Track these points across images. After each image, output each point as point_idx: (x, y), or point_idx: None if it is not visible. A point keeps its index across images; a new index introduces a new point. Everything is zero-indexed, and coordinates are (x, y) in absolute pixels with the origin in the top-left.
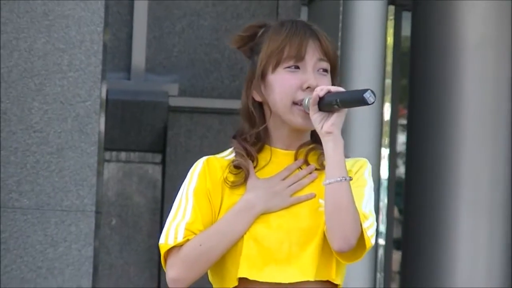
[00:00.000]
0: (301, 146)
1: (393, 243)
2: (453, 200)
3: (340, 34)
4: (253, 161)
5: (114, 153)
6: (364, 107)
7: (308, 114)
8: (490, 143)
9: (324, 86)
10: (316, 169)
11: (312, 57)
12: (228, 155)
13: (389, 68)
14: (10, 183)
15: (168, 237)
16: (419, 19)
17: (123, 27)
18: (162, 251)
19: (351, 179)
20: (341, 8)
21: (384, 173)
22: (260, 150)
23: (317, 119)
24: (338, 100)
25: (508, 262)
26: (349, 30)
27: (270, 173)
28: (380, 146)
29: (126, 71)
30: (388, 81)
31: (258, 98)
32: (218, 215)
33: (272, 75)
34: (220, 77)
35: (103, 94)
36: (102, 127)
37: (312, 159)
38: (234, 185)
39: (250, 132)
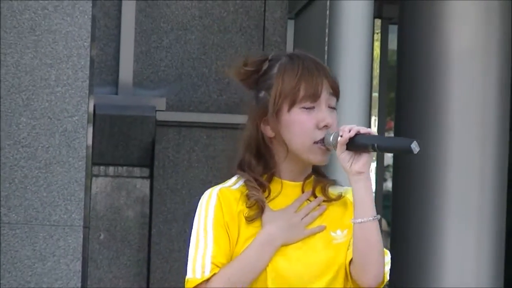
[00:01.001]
0: (306, 178)
1: None
2: (441, 213)
3: (326, 47)
4: (264, 192)
5: (102, 167)
6: (351, 121)
7: (327, 150)
8: (477, 155)
9: (352, 127)
10: (324, 200)
11: (325, 94)
12: (234, 184)
13: (376, 81)
14: None
15: (195, 271)
16: (406, 32)
17: (110, 42)
18: (191, 285)
19: (379, 217)
20: (327, 21)
21: (372, 186)
22: (269, 181)
23: (345, 158)
24: (376, 145)
25: (496, 263)
26: (335, 43)
27: (281, 204)
28: None
29: (113, 85)
30: (375, 95)
31: (270, 134)
32: (235, 246)
33: (288, 115)
34: (207, 91)
35: (91, 109)
36: (90, 141)
37: (318, 190)
38: (250, 219)
39: (258, 167)
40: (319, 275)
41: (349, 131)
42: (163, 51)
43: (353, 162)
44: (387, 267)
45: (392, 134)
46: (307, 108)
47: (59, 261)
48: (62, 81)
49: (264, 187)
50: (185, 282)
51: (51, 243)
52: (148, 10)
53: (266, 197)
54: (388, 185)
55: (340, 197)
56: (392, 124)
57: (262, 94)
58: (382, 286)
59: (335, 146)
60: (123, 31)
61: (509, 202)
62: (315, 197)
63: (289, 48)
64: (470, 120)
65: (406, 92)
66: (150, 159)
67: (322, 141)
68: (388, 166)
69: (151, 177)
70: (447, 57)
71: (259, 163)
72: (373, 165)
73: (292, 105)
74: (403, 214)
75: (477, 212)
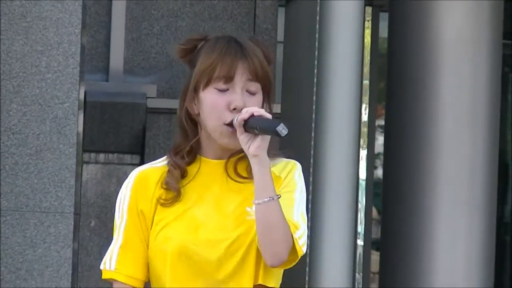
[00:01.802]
0: (231, 156)
1: (371, 244)
2: (431, 200)
3: (317, 35)
4: (182, 174)
5: (92, 154)
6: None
7: (234, 134)
8: (468, 142)
9: (249, 108)
10: (244, 178)
11: (241, 78)
12: (161, 161)
13: (366, 69)
14: None
15: (105, 263)
16: (396, 20)
17: (101, 29)
18: (104, 275)
19: (279, 197)
20: (318, 9)
21: (363, 173)
22: (192, 161)
23: (243, 140)
24: (257, 127)
25: (487, 262)
26: (326, 31)
27: (201, 183)
28: (358, 147)
29: (104, 72)
30: (366, 82)
31: (193, 111)
32: (150, 229)
33: (203, 93)
34: None
35: (81, 96)
36: (81, 128)
37: (241, 167)
38: (166, 204)
39: (183, 145)
40: (230, 254)
41: (246, 113)
42: (154, 38)
43: (250, 145)
44: (300, 241)
45: (382, 122)
46: (220, 90)
47: (50, 248)
48: (52, 67)
49: (179, 168)
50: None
51: (42, 230)
52: None
53: (184, 178)
54: (379, 172)
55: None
56: (382, 111)
57: (191, 72)
58: (295, 261)
59: None
60: (114, 18)
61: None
62: (237, 174)
63: (280, 35)
64: (461, 108)
65: (396, 80)
66: (140, 146)
67: (232, 123)
68: (378, 153)
69: (141, 164)
70: (438, 44)
71: (185, 142)
72: (364, 152)
73: (207, 84)
74: (394, 202)
75: (467, 196)
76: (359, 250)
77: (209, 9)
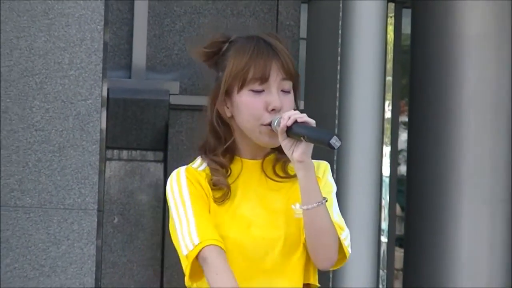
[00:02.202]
0: (266, 155)
1: (395, 240)
2: (455, 196)
3: (340, 31)
4: (227, 172)
5: (115, 151)
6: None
7: (274, 132)
8: (491, 139)
9: (292, 114)
10: (282, 177)
11: (276, 78)
12: (199, 166)
13: (389, 65)
14: (12, 181)
15: (187, 246)
16: (419, 16)
17: (124, 25)
18: (189, 260)
19: (326, 200)
20: (341, 6)
21: (386, 170)
22: (231, 161)
23: (286, 146)
24: (305, 136)
25: (510, 261)
26: (349, 27)
27: (244, 182)
28: (381, 143)
29: (127, 69)
30: (389, 79)
31: (225, 114)
32: None
33: (238, 96)
34: None
35: (104, 93)
36: (104, 125)
37: (278, 167)
38: (219, 202)
39: (219, 147)
40: (286, 252)
41: (288, 119)
42: (176, 35)
43: (294, 150)
44: (346, 242)
45: (405, 119)
46: (255, 91)
47: (73, 244)
48: (75, 64)
49: (225, 167)
50: (183, 262)
51: (65, 226)
52: None
53: (228, 176)
54: (402, 169)
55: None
56: (405, 108)
57: (219, 74)
58: (343, 262)
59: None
60: (136, 14)
61: None
62: (276, 174)
63: (303, 32)
64: (484, 104)
65: (419, 76)
66: (163, 143)
67: (270, 124)
68: (402, 150)
69: (164, 161)
70: (461, 40)
71: (219, 144)
72: (387, 149)
73: (241, 86)
74: (417, 199)
75: (490, 193)
76: (383, 247)
77: (231, 6)
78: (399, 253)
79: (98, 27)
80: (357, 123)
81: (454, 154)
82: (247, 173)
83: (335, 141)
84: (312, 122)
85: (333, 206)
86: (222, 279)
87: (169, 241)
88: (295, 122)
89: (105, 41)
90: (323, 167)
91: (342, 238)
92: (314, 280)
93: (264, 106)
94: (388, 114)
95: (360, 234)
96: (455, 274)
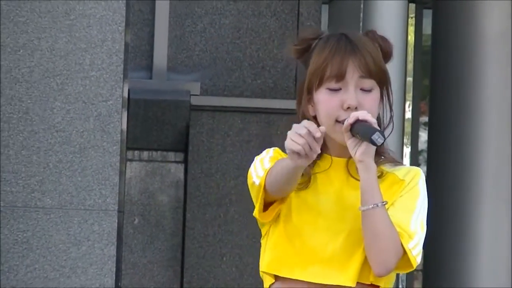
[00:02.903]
0: None
1: None
2: (475, 197)
3: (360, 32)
4: (313, 164)
5: (136, 152)
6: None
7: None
8: (511, 139)
9: (356, 113)
10: None
11: (353, 75)
12: None
13: (410, 66)
14: (32, 182)
15: (258, 174)
16: (440, 17)
17: (145, 26)
18: (261, 185)
19: (385, 203)
20: (361, 6)
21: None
22: (319, 157)
23: (351, 145)
24: (359, 133)
25: None
26: (370, 27)
27: (327, 177)
28: (402, 144)
29: (147, 70)
30: (410, 79)
31: (309, 113)
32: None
33: (316, 94)
34: (242, 76)
35: (125, 94)
36: (124, 126)
37: None
38: (300, 187)
39: None
40: (348, 245)
41: (352, 118)
42: (198, 36)
43: (357, 150)
44: (414, 251)
45: (426, 119)
46: (331, 89)
47: (94, 245)
48: (96, 65)
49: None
50: (254, 192)
51: (86, 227)
52: None
53: (313, 167)
54: (422, 169)
55: (381, 175)
56: (426, 108)
57: (306, 73)
58: (407, 270)
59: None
60: (157, 15)
61: None
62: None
63: None
64: (504, 105)
65: (440, 77)
66: (184, 143)
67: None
68: (422, 150)
69: (185, 161)
70: (482, 41)
71: None
72: (407, 150)
73: (319, 84)
74: (437, 199)
75: (510, 193)
76: None
77: (252, 6)
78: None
79: (119, 28)
80: None
81: (474, 154)
82: (333, 169)
83: (377, 137)
84: (373, 121)
85: (414, 212)
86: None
87: (189, 242)
88: (358, 120)
89: (126, 42)
90: (414, 172)
91: (409, 247)
92: (378, 281)
93: (340, 104)
94: (408, 115)
95: None
96: (475, 274)
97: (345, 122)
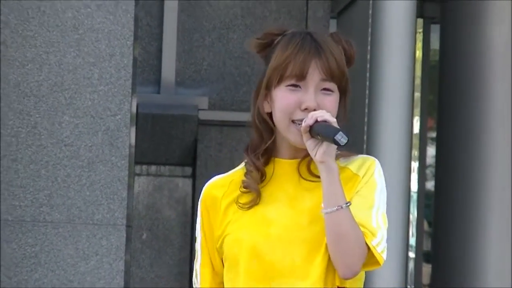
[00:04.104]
0: (305, 156)
1: (423, 256)
2: (482, 211)
3: (369, 47)
4: (262, 177)
5: (144, 166)
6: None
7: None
8: None
9: (314, 113)
10: (316, 176)
11: (314, 76)
12: (239, 167)
13: (418, 81)
14: (41, 197)
15: (194, 283)
16: (448, 32)
17: (153, 41)
18: None
19: (348, 204)
20: (370, 21)
21: (414, 186)
22: (267, 162)
23: (310, 146)
24: (320, 134)
25: None
26: (378, 43)
27: (275, 185)
28: (409, 159)
29: (156, 84)
30: (417, 94)
31: (263, 110)
32: (219, 229)
33: (275, 91)
34: (249, 90)
35: (133, 108)
36: (133, 140)
37: (314, 166)
38: (246, 207)
39: (260, 146)
40: (305, 254)
41: (310, 119)
42: (205, 50)
43: (317, 151)
44: (379, 248)
45: (434, 134)
46: (291, 87)
47: (102, 260)
48: (105, 79)
49: (259, 170)
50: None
51: (94, 242)
52: (190, 9)
53: (263, 180)
54: (430, 184)
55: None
56: (433, 123)
57: (266, 68)
58: (379, 266)
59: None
60: (166, 30)
61: None
62: (310, 173)
63: None
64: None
65: (448, 92)
66: (192, 158)
67: (301, 122)
68: (429, 165)
69: (193, 176)
70: (489, 56)
71: (261, 142)
72: (415, 164)
73: (279, 81)
74: (445, 214)
75: None
76: (411, 263)
77: (260, 21)
78: (427, 268)
79: (128, 42)
80: (386, 138)
81: (482, 169)
82: (280, 173)
83: (340, 137)
84: (333, 120)
85: (373, 207)
86: None
87: None
88: (316, 121)
89: (134, 57)
90: (369, 163)
91: (373, 244)
92: (345, 282)
93: (297, 103)
94: (416, 130)
95: (388, 249)
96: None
97: (303, 123)
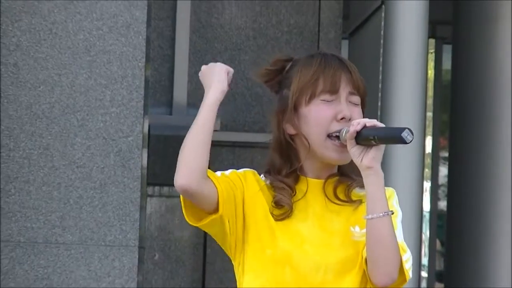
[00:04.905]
0: (329, 176)
1: (435, 275)
2: (495, 232)
3: (381, 67)
4: (293, 192)
5: (156, 188)
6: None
7: (343, 147)
8: None
9: (361, 120)
10: (343, 201)
11: (345, 89)
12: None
13: (430, 101)
14: (53, 218)
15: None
16: (460, 52)
17: (165, 62)
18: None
19: (392, 213)
20: (381, 41)
21: (426, 205)
22: (296, 180)
23: (355, 153)
24: (375, 137)
25: None
26: (390, 63)
27: (305, 201)
28: (422, 178)
29: (168, 106)
30: (430, 114)
31: (291, 131)
32: (243, 223)
33: (306, 108)
34: (261, 111)
35: (145, 129)
36: (145, 162)
37: (339, 190)
38: (279, 219)
39: (284, 167)
40: (337, 271)
41: (358, 124)
42: None
43: (363, 157)
44: (407, 265)
45: (446, 154)
46: (325, 101)
47: (114, 281)
48: (116, 101)
49: (291, 187)
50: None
51: (106, 263)
52: (202, 31)
53: (293, 196)
54: (442, 204)
55: (360, 201)
56: (445, 142)
57: (284, 92)
58: (402, 285)
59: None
60: (177, 51)
61: None
62: (336, 197)
63: None
64: None
65: (460, 111)
66: None
67: (338, 135)
68: (442, 185)
69: None
70: (501, 76)
71: (285, 164)
72: (427, 184)
73: (311, 98)
74: (458, 234)
75: None
76: (424, 282)
77: (272, 42)
78: (439, 287)
79: (140, 64)
80: (399, 158)
81: (494, 189)
82: (310, 192)
83: (407, 135)
84: (382, 125)
85: (397, 229)
86: None
87: (209, 277)
88: (365, 126)
89: (146, 78)
90: (389, 193)
91: (404, 259)
92: None
93: (334, 114)
94: (428, 149)
95: None
96: None
97: (350, 129)
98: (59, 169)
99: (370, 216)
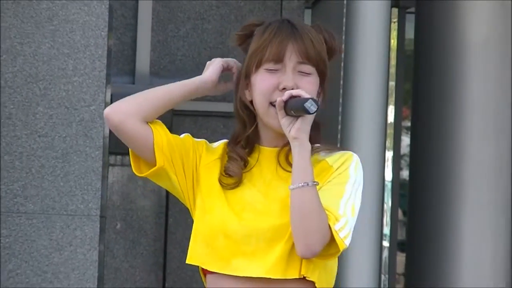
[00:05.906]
0: (285, 144)
1: (397, 245)
2: (457, 201)
3: (344, 36)
4: (245, 164)
5: (118, 157)
6: (368, 110)
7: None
8: (493, 144)
9: (290, 91)
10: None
11: (291, 59)
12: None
13: (393, 70)
14: (15, 187)
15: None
16: (423, 21)
17: (127, 31)
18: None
19: (316, 183)
20: (344, 10)
21: (388, 175)
22: (251, 151)
23: (285, 123)
24: (292, 108)
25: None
26: (352, 32)
27: (257, 172)
28: (384, 148)
29: (130, 75)
30: (392, 83)
31: (246, 98)
32: (196, 189)
33: (253, 76)
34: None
35: (108, 99)
36: (107, 131)
37: (291, 156)
38: (228, 188)
39: (242, 134)
40: (269, 239)
41: (284, 96)
42: (180, 41)
43: (292, 128)
44: (342, 233)
45: (408, 124)
46: (270, 70)
47: (76, 250)
48: (79, 70)
49: (243, 159)
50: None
51: (68, 232)
52: (165, 0)
53: (244, 167)
54: (404, 174)
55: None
56: (408, 112)
57: (244, 59)
58: (336, 255)
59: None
60: (140, 20)
61: None
62: (288, 163)
63: None
64: (487, 110)
65: (423, 81)
66: None
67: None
68: (404, 155)
69: None
70: (464, 45)
71: (244, 131)
72: (389, 154)
73: (258, 66)
74: (420, 203)
75: (492, 197)
76: (385, 252)
77: (235, 11)
78: (401, 257)
79: (102, 33)
80: (360, 128)
81: (456, 159)
82: (261, 161)
83: (310, 105)
84: (306, 95)
85: (343, 197)
86: None
87: (171, 247)
88: (291, 97)
89: (109, 47)
90: (345, 157)
91: (335, 228)
92: (310, 275)
93: (276, 84)
94: (390, 119)
95: (362, 239)
96: (457, 278)
97: (278, 99)
98: (21, 138)
99: (292, 187)
